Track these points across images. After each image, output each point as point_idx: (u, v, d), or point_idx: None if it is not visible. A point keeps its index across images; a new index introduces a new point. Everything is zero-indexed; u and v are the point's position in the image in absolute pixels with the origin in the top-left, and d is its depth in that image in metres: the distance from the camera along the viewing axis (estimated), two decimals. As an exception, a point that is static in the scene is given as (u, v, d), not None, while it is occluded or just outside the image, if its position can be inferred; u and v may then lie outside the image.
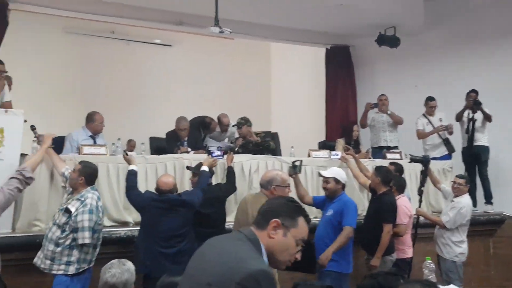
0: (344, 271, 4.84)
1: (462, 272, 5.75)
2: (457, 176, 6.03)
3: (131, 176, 4.82)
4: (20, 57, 8.33)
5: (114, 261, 3.17)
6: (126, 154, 5.11)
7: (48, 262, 4.21)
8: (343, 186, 5.06)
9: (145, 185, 5.45)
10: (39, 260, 4.23)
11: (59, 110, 8.98)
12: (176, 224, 4.59)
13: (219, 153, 5.78)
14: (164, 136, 6.96)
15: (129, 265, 3.16)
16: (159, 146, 6.79)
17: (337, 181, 5.01)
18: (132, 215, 5.39)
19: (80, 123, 6.20)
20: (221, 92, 9.62)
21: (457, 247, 5.74)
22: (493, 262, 7.28)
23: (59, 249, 4.19)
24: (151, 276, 4.31)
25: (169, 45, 10.55)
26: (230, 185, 5.46)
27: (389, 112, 7.89)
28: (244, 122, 6.86)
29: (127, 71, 9.93)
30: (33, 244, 4.48)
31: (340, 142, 7.37)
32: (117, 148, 5.81)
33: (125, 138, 8.69)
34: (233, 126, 7.10)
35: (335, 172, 5.11)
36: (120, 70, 9.86)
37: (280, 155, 6.63)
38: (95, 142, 5.88)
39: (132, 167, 4.92)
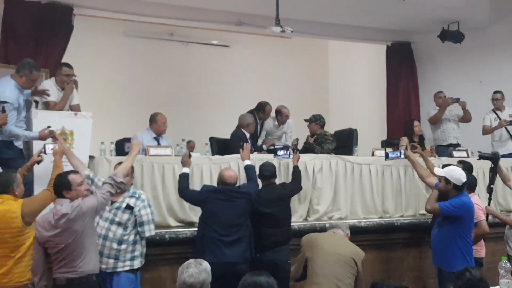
0: None
1: None
2: None
3: (184, 178, 5.01)
4: (83, 61, 8.53)
5: (191, 261, 3.20)
6: (190, 156, 5.18)
7: (111, 261, 4.36)
8: (457, 186, 4.76)
9: (210, 184, 5.51)
10: (100, 265, 4.27)
11: (122, 113, 9.21)
12: (235, 214, 4.79)
13: (284, 152, 5.79)
14: (224, 136, 7.02)
15: (206, 265, 3.19)
16: (220, 147, 6.85)
17: (447, 181, 4.82)
18: (198, 215, 5.44)
19: (143, 125, 6.35)
20: (279, 91, 9.59)
21: None
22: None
23: (123, 246, 4.37)
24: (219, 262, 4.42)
25: (227, 46, 10.61)
26: (295, 184, 5.46)
27: (466, 107, 7.69)
28: (313, 120, 6.86)
29: (186, 72, 10.07)
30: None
31: (404, 140, 7.21)
32: (181, 149, 5.92)
33: (187, 139, 8.81)
34: (305, 120, 7.06)
35: (448, 171, 4.86)
36: (179, 72, 10.00)
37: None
38: (158, 143, 5.99)
39: (185, 169, 5.08)
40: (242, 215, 4.88)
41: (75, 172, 4.18)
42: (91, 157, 5.20)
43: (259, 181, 5.27)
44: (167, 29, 9.72)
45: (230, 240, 4.72)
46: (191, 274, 3.10)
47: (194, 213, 5.42)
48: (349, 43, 9.82)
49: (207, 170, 5.57)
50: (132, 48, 9.77)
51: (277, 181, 5.53)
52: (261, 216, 4.99)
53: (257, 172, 5.27)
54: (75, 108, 5.66)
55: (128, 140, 6.19)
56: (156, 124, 6.09)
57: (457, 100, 7.62)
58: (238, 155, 5.73)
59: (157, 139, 6.04)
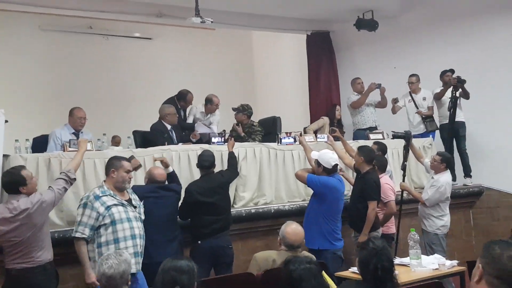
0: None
1: (445, 244, 5.91)
2: (437, 153, 6.20)
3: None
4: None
5: (111, 252, 3.21)
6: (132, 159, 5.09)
7: (140, 259, 4.26)
8: (328, 169, 5.09)
9: (134, 178, 5.41)
10: (138, 265, 4.18)
11: (40, 109, 8.98)
12: (167, 211, 4.86)
13: (219, 139, 5.87)
14: (148, 129, 6.96)
15: (126, 255, 3.20)
16: (144, 139, 6.77)
17: (318, 164, 5.10)
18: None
19: (63, 121, 6.18)
20: (204, 82, 9.61)
21: (439, 220, 5.89)
22: (473, 232, 7.59)
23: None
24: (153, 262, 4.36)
25: (149, 38, 10.51)
26: (232, 170, 5.55)
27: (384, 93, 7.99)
28: (241, 110, 6.92)
29: (107, 66, 9.89)
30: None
31: (325, 120, 7.46)
32: (102, 143, 5.81)
33: (109, 133, 8.66)
34: (233, 109, 7.10)
35: (319, 154, 5.20)
36: (100, 66, 9.81)
37: (278, 140, 6.60)
38: (78, 139, 5.85)
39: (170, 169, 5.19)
40: (175, 212, 4.96)
41: (23, 166, 4.24)
42: (5, 156, 4.99)
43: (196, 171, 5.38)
44: (85, 22, 9.52)
45: (164, 239, 4.72)
46: (111, 266, 3.10)
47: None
48: (272, 33, 9.97)
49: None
50: (49, 43, 9.50)
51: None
52: (201, 205, 5.04)
53: (196, 162, 5.34)
54: (-15, 106, 5.43)
55: (46, 137, 6.04)
56: (73, 119, 5.95)
57: (379, 86, 7.94)
58: (161, 147, 5.75)
59: (76, 134, 5.89)
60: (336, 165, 5.11)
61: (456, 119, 7.46)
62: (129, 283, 3.19)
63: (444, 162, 5.93)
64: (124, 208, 4.19)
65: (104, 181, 4.35)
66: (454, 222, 6.53)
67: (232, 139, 5.96)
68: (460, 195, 7.31)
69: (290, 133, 6.65)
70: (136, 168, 5.04)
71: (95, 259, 3.98)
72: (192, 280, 2.75)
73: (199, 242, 4.99)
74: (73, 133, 5.93)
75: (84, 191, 5.17)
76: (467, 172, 7.58)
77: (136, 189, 4.80)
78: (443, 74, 7.58)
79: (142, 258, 4.24)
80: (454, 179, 7.33)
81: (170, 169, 5.24)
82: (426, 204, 5.90)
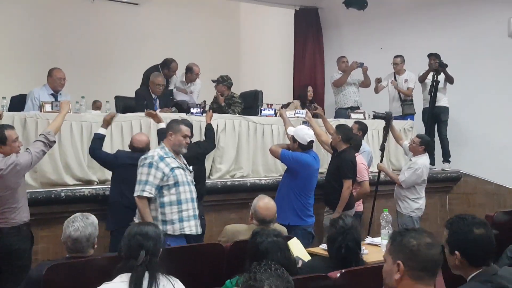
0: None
1: (419, 227, 5.94)
2: (417, 135, 6.18)
3: (99, 140, 4.94)
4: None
5: (77, 214, 3.18)
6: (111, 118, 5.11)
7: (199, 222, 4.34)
8: (303, 145, 5.04)
9: (110, 143, 5.46)
10: (198, 227, 4.28)
11: (20, 68, 8.81)
12: None
13: (197, 110, 5.82)
14: (131, 95, 6.89)
15: (93, 218, 3.18)
16: (126, 105, 6.71)
17: (294, 140, 5.08)
18: (97, 174, 5.42)
19: (42, 81, 6.08)
20: (189, 52, 9.49)
21: (414, 202, 5.90)
22: (448, 217, 7.52)
23: None
24: (120, 228, 4.32)
25: (136, 4, 10.33)
26: (209, 142, 5.51)
27: (367, 73, 7.95)
28: (221, 81, 6.85)
29: (92, 30, 9.67)
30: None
31: (295, 104, 7.39)
32: (80, 106, 5.74)
33: (90, 97, 8.56)
34: (212, 81, 7.03)
35: (295, 130, 5.15)
36: (84, 28, 9.59)
37: (259, 112, 6.61)
38: (56, 100, 5.76)
39: (101, 130, 5.00)
40: None
41: (11, 127, 4.14)
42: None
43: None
44: (71, -17, 9.31)
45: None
46: (77, 228, 3.09)
47: (92, 171, 5.38)
48: (260, 6, 9.86)
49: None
50: (32, 2, 9.27)
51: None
52: None
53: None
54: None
55: (24, 96, 5.95)
56: (52, 79, 5.84)
57: (361, 65, 7.89)
58: (140, 114, 5.70)
59: (54, 95, 5.81)
60: (312, 141, 5.08)
61: (438, 104, 7.48)
62: (95, 246, 3.19)
63: (423, 144, 5.91)
64: (184, 172, 4.24)
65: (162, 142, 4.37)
66: (430, 206, 6.58)
67: (211, 110, 5.90)
68: (437, 179, 7.35)
69: (271, 105, 6.63)
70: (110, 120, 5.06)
71: (158, 219, 4.05)
72: (158, 246, 2.75)
73: None
74: (52, 94, 5.85)
75: (59, 154, 5.18)
76: (446, 158, 7.63)
77: (116, 153, 4.86)
78: (428, 57, 7.56)
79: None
80: (432, 163, 7.40)
81: (162, 125, 5.16)
82: (402, 186, 5.92)
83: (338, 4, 8.52)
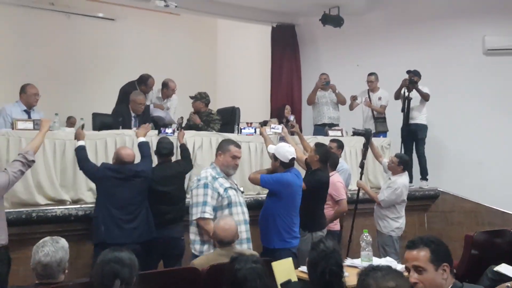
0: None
1: (398, 246, 5.89)
2: (395, 155, 6.14)
3: (82, 151, 4.85)
4: None
5: (47, 238, 3.06)
6: (82, 128, 5.03)
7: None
8: (284, 163, 4.87)
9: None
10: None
11: (-6, 85, 8.62)
12: (131, 194, 4.69)
13: (170, 130, 5.74)
14: (107, 111, 6.78)
15: (63, 242, 3.07)
16: (103, 122, 6.59)
17: (275, 158, 4.94)
18: (70, 193, 5.30)
19: (15, 97, 5.94)
20: (166, 69, 9.43)
21: (394, 222, 5.88)
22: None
23: None
24: (105, 244, 4.25)
25: (113, 19, 10.24)
26: (187, 162, 5.42)
27: (337, 91, 7.94)
28: (198, 97, 6.78)
29: (68, 45, 9.58)
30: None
31: (272, 122, 7.34)
32: (54, 123, 5.60)
33: (65, 114, 8.42)
34: (190, 97, 6.96)
35: (276, 148, 4.98)
36: (60, 44, 9.51)
37: (239, 130, 6.54)
38: (29, 117, 5.65)
39: (80, 142, 4.90)
40: (138, 194, 4.76)
41: None
42: None
43: (155, 158, 5.19)
44: (47, -2, 9.21)
45: (125, 219, 4.61)
46: (47, 253, 2.98)
47: (65, 191, 5.24)
48: (237, 22, 9.87)
49: (81, 145, 5.37)
50: (7, 17, 9.17)
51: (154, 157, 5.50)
52: (157, 194, 4.90)
53: (154, 148, 5.19)
54: None
55: (-5, 112, 5.81)
56: (26, 96, 5.71)
57: (326, 83, 7.93)
58: (115, 131, 5.60)
59: (27, 112, 5.69)
60: (293, 158, 4.97)
61: (415, 121, 7.52)
62: (66, 271, 3.07)
63: (402, 164, 5.90)
64: (236, 192, 4.18)
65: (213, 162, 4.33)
66: (408, 225, 6.52)
67: (182, 130, 5.79)
68: (415, 197, 7.32)
69: (251, 123, 6.57)
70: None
71: (210, 242, 3.98)
72: (133, 274, 2.65)
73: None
74: (25, 110, 5.72)
75: (31, 173, 5.01)
76: (424, 175, 7.64)
77: (101, 166, 4.77)
78: (407, 73, 7.58)
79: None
80: (410, 181, 7.40)
81: (141, 138, 5.16)
82: (381, 205, 5.90)
83: (314, 21, 8.55)
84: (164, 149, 5.12)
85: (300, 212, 5.12)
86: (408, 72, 7.50)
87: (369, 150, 6.34)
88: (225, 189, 4.06)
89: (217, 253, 3.83)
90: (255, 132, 6.34)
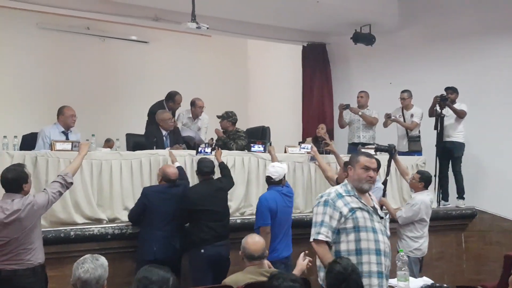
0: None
1: (417, 268, 5.64)
2: (417, 171, 5.98)
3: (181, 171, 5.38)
4: (-8, 52, 8.23)
5: (87, 256, 3.11)
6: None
7: (386, 282, 3.58)
8: (270, 181, 5.14)
9: (120, 180, 5.47)
10: None
11: (32, 107, 8.88)
12: (174, 208, 5.01)
13: (208, 150, 5.84)
14: (140, 132, 6.91)
15: (102, 260, 3.11)
16: (136, 142, 6.72)
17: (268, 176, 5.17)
18: (106, 212, 5.40)
19: (52, 119, 6.11)
20: (198, 89, 9.55)
21: (412, 242, 5.63)
22: (465, 256, 7.44)
23: None
24: (158, 260, 4.30)
25: (146, 42, 10.47)
26: (229, 180, 5.54)
27: (360, 113, 7.87)
28: (225, 116, 6.85)
29: (103, 68, 9.81)
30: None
31: (308, 141, 7.42)
32: (91, 144, 5.73)
33: (101, 135, 8.58)
34: (217, 117, 7.04)
35: (270, 166, 5.26)
36: (95, 67, 9.74)
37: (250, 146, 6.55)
38: (67, 138, 5.79)
39: (176, 164, 5.42)
40: (178, 208, 5.04)
41: (24, 165, 4.19)
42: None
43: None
44: (83, 22, 9.48)
45: (163, 236, 4.88)
46: (87, 270, 3.02)
47: (102, 210, 5.35)
48: (267, 42, 9.95)
49: (116, 165, 5.48)
50: (45, 41, 9.43)
51: (190, 177, 5.61)
52: (201, 211, 5.03)
53: (196, 168, 5.37)
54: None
55: (35, 134, 5.97)
56: (63, 117, 5.87)
57: (347, 106, 7.91)
58: (149, 151, 5.70)
59: (65, 133, 5.83)
60: (281, 179, 5.14)
61: (451, 139, 7.42)
62: (105, 288, 3.11)
63: (422, 181, 5.66)
64: (370, 216, 3.51)
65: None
66: (445, 245, 6.42)
67: (219, 149, 5.90)
68: (452, 216, 7.21)
69: (261, 141, 6.58)
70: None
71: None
72: None
73: (202, 251, 4.96)
74: (63, 131, 5.86)
75: (69, 192, 5.08)
76: (460, 194, 7.47)
77: (147, 189, 5.04)
78: (445, 90, 7.46)
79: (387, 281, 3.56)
80: (446, 199, 7.28)
81: (177, 164, 5.40)
82: (398, 222, 5.67)
83: (346, 39, 8.56)
84: (206, 167, 5.26)
85: None
86: (446, 89, 7.42)
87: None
88: (352, 210, 3.45)
89: (247, 271, 3.86)
90: (264, 150, 6.35)
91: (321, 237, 3.40)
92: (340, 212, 3.44)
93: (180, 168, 5.37)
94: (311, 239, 3.46)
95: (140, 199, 5.04)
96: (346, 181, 3.66)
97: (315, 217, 3.51)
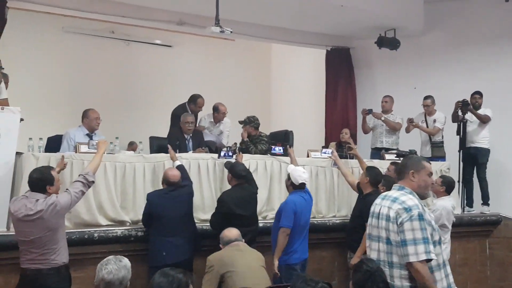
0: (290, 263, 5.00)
1: None
2: (440, 176, 5.89)
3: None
4: (18, 55, 8.38)
5: (111, 257, 3.15)
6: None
7: None
8: (294, 185, 5.11)
9: (143, 183, 5.51)
10: None
11: (57, 110, 9.03)
12: (180, 211, 4.98)
13: (230, 154, 5.83)
14: (164, 135, 6.95)
15: (126, 261, 3.14)
16: (160, 145, 6.76)
17: (288, 177, 5.17)
18: (130, 215, 5.44)
19: (77, 122, 6.20)
20: (221, 93, 9.60)
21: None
22: (489, 262, 7.33)
23: None
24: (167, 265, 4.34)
25: (170, 46, 10.56)
26: (254, 184, 5.55)
27: (383, 118, 7.79)
28: (247, 122, 6.87)
29: (127, 71, 9.94)
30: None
31: (332, 145, 7.40)
32: (115, 147, 5.80)
33: (125, 138, 8.67)
34: (239, 122, 7.05)
35: (292, 169, 5.23)
36: (119, 70, 9.87)
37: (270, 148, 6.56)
38: (92, 140, 5.84)
39: (177, 162, 5.39)
40: (188, 211, 5.07)
41: (52, 168, 4.24)
42: (18, 153, 5.05)
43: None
44: (108, 26, 9.59)
45: (178, 241, 4.84)
46: (110, 271, 3.06)
47: (125, 212, 5.40)
48: (291, 46, 9.94)
49: (140, 168, 5.54)
50: (70, 45, 9.58)
51: (212, 180, 5.68)
52: (235, 216, 5.02)
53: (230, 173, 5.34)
54: (3, 103, 5.43)
55: (60, 137, 6.06)
56: (88, 120, 5.96)
57: (369, 111, 7.85)
58: (171, 154, 5.75)
59: (89, 135, 5.90)
60: (303, 183, 5.13)
61: (475, 145, 7.33)
62: (128, 290, 3.14)
63: (444, 185, 5.54)
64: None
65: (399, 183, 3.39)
66: (469, 251, 6.32)
67: (240, 153, 5.92)
68: (476, 223, 7.11)
69: (281, 143, 6.59)
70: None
71: None
72: None
73: None
74: (87, 134, 5.94)
75: (93, 194, 5.19)
76: (485, 200, 7.38)
77: (150, 195, 5.00)
78: (471, 96, 7.40)
79: None
80: (470, 205, 7.17)
81: (177, 162, 5.36)
82: None
83: (370, 44, 8.51)
84: (243, 171, 5.30)
85: (349, 233, 5.47)
86: (474, 93, 7.36)
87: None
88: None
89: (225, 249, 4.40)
90: (283, 152, 6.35)
91: (433, 256, 3.05)
92: (431, 226, 3.16)
93: (181, 167, 5.32)
94: (418, 259, 3.02)
95: (145, 206, 5.04)
96: (406, 189, 3.26)
97: (414, 234, 3.05)
